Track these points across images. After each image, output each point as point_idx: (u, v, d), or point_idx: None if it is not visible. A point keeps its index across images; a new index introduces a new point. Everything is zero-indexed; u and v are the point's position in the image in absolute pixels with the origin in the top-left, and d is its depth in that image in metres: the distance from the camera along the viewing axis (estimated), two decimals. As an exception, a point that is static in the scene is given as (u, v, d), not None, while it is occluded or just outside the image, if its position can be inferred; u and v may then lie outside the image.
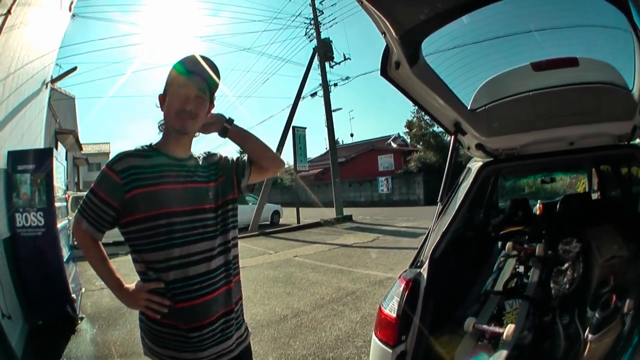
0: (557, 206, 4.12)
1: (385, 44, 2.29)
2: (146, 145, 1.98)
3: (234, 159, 2.21)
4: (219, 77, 2.00)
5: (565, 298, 2.87)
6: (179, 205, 1.87)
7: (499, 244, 3.83)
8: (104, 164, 1.88)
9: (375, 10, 1.97)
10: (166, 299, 1.84)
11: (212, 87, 2.01)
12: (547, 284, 3.09)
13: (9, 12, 4.61)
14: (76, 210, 1.90)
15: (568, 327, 2.63)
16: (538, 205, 4.78)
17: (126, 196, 1.80)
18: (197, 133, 2.05)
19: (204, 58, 1.94)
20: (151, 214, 1.81)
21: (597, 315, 2.42)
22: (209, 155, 2.15)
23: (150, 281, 1.87)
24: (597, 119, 2.96)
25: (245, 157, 2.23)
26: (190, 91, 1.90)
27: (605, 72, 2.72)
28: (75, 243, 2.15)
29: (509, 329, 2.47)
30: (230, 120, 2.12)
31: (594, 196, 5.46)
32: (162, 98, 1.98)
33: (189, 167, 1.99)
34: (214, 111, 2.08)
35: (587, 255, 3.05)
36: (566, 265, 3.08)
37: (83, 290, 7.85)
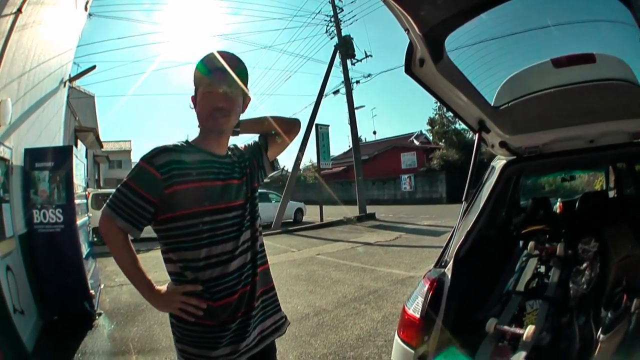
0: (576, 205, 4.10)
1: (408, 41, 2.25)
2: (184, 142, 1.95)
3: (251, 144, 2.25)
4: (244, 69, 1.95)
5: (582, 298, 2.83)
6: (221, 202, 1.85)
7: (521, 243, 3.77)
8: (140, 159, 1.81)
9: (399, 7, 1.95)
10: (202, 300, 1.79)
11: (241, 79, 1.94)
12: (567, 284, 3.03)
13: (19, 11, 4.59)
14: (105, 207, 1.80)
15: (583, 327, 2.59)
16: (558, 203, 4.77)
17: (166, 192, 1.75)
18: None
19: (224, 53, 1.90)
20: (194, 211, 1.77)
21: (609, 315, 2.40)
22: (235, 149, 2.14)
23: (186, 282, 1.82)
24: (615, 116, 2.94)
25: (257, 138, 2.27)
26: (217, 89, 1.86)
27: (619, 68, 2.64)
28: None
29: (529, 330, 2.44)
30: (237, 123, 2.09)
31: (611, 194, 5.45)
32: (194, 99, 1.95)
33: (228, 164, 1.98)
34: None
35: (604, 254, 3.03)
36: (585, 265, 3.04)
37: (102, 286, 7.86)
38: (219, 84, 1.85)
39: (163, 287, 1.84)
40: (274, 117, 2.26)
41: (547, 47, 2.63)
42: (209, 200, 1.80)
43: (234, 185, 1.93)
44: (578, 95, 2.77)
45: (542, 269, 3.34)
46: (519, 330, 2.53)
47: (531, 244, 3.50)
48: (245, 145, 2.22)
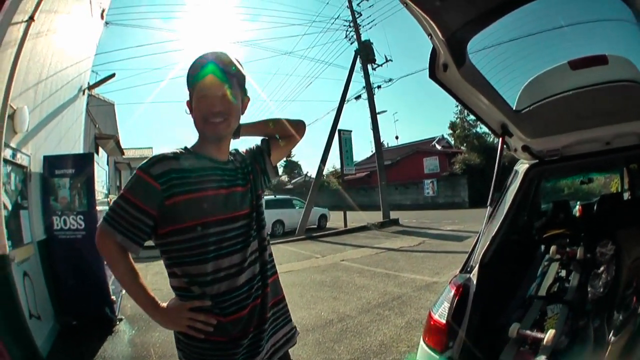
0: (594, 207, 4.12)
1: (429, 44, 2.24)
2: (182, 148, 1.82)
3: (252, 148, 2.13)
4: (239, 67, 1.85)
5: (599, 301, 2.82)
6: (226, 212, 1.73)
7: (542, 247, 3.77)
8: (137, 168, 1.69)
9: (421, 12, 1.93)
10: (211, 315, 1.67)
11: (238, 79, 1.85)
12: (586, 288, 3.03)
13: (32, 19, 4.60)
14: (101, 221, 1.67)
15: (597, 330, 2.58)
16: (578, 206, 4.74)
17: (166, 203, 1.63)
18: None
19: (218, 53, 1.81)
20: (197, 223, 1.65)
21: (620, 317, 2.44)
22: (237, 154, 2.02)
23: (193, 297, 1.69)
24: (627, 118, 2.90)
25: (260, 142, 2.14)
26: (213, 92, 1.75)
27: (629, 69, 2.58)
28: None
29: (549, 335, 2.41)
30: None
31: (625, 196, 5.47)
32: (190, 104, 1.83)
33: (230, 170, 1.86)
34: None
35: (619, 257, 3.03)
36: (602, 268, 3.03)
37: (123, 292, 7.82)
38: (214, 86, 1.75)
39: (167, 303, 1.72)
40: (277, 119, 2.16)
41: (563, 48, 2.58)
42: (213, 211, 1.68)
43: (238, 193, 1.81)
44: (593, 97, 2.72)
45: (563, 273, 3.33)
46: (540, 335, 2.49)
47: (553, 248, 3.49)
48: (246, 150, 2.10)
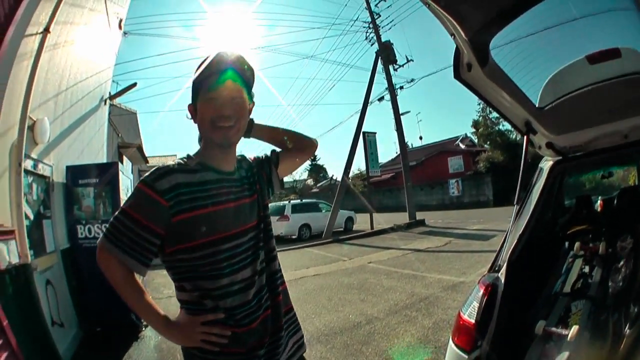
0: (614, 201, 4.10)
1: (449, 43, 2.23)
2: (186, 157, 1.72)
3: (261, 157, 2.04)
4: (253, 70, 1.75)
5: (618, 295, 2.78)
6: (236, 226, 1.65)
7: (566, 243, 3.72)
8: (140, 181, 1.57)
9: (443, 12, 1.92)
10: (226, 327, 1.60)
11: (247, 82, 1.74)
12: (607, 283, 2.99)
13: (47, 30, 4.63)
14: (101, 237, 1.56)
15: (615, 324, 2.57)
16: (599, 201, 4.65)
17: (172, 220, 1.52)
18: None
19: (228, 53, 1.69)
20: (207, 241, 1.56)
21: (636, 310, 2.42)
22: (243, 160, 1.93)
23: (205, 311, 1.61)
24: None
25: (269, 152, 2.06)
26: (223, 94, 1.64)
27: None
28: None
29: (573, 331, 2.39)
30: (249, 121, 1.90)
31: None
32: (192, 109, 1.72)
33: (237, 181, 1.77)
34: None
35: (638, 250, 2.99)
36: (622, 262, 2.99)
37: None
38: (225, 88, 1.64)
39: (177, 318, 1.64)
40: (290, 130, 2.09)
41: (579, 42, 2.56)
42: (222, 227, 1.59)
43: (246, 205, 1.73)
44: (610, 91, 2.70)
45: (587, 269, 3.28)
46: (564, 331, 2.47)
47: (577, 244, 3.43)
48: (254, 158, 2.01)
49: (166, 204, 1.50)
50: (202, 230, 1.54)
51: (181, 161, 1.67)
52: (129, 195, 1.63)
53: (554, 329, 2.57)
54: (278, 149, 2.08)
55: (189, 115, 1.73)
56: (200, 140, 1.78)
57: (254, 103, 1.81)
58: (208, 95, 1.64)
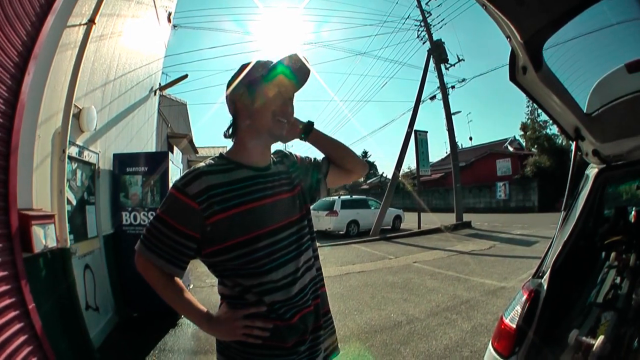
0: None
1: (503, 45, 2.22)
2: (217, 157, 1.70)
3: (312, 159, 2.02)
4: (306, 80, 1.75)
5: (638, 309, 2.76)
6: (274, 222, 1.63)
7: (603, 253, 3.68)
8: (172, 186, 1.56)
9: (500, 14, 1.89)
10: (268, 320, 1.59)
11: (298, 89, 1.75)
12: (632, 296, 2.96)
13: (92, 22, 4.73)
14: (138, 243, 1.59)
15: (631, 337, 2.57)
16: (633, 212, 4.50)
17: (207, 223, 1.51)
18: None
19: (301, 60, 1.67)
20: (244, 239, 1.54)
21: None
22: (283, 157, 1.91)
23: (249, 304, 1.60)
24: None
25: (320, 159, 2.05)
26: (290, 93, 1.69)
27: None
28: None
29: (598, 342, 2.41)
30: (310, 124, 1.92)
31: None
32: (240, 97, 1.68)
33: (273, 176, 1.73)
34: None
35: None
36: None
37: (192, 286, 8.13)
38: (295, 88, 1.69)
39: (218, 313, 1.63)
40: (347, 147, 2.04)
41: (624, 47, 2.50)
42: (259, 224, 1.57)
43: (284, 200, 1.70)
44: None
45: (618, 280, 3.25)
46: (592, 342, 2.47)
47: (613, 254, 3.42)
48: (300, 158, 1.97)
49: (198, 207, 1.49)
50: (237, 230, 1.53)
51: (212, 161, 1.65)
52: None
53: (583, 338, 2.55)
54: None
55: (234, 101, 1.70)
56: (232, 134, 1.74)
57: None
58: (276, 89, 1.63)
